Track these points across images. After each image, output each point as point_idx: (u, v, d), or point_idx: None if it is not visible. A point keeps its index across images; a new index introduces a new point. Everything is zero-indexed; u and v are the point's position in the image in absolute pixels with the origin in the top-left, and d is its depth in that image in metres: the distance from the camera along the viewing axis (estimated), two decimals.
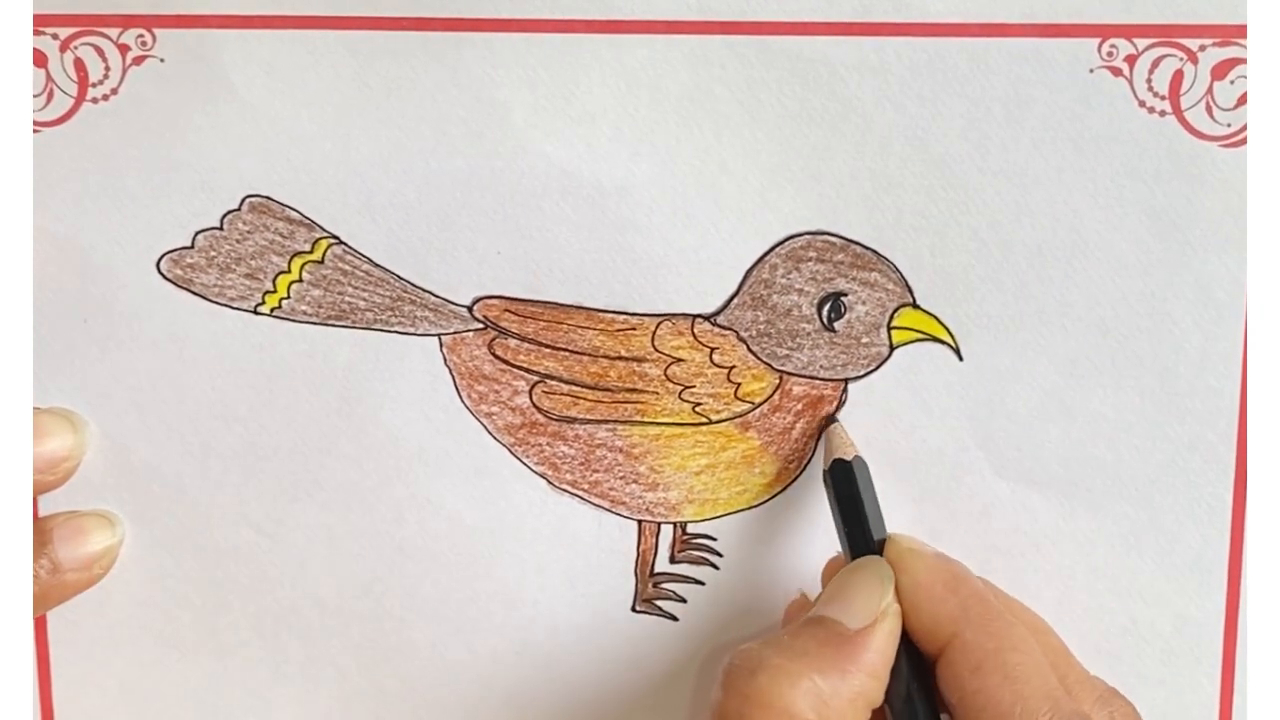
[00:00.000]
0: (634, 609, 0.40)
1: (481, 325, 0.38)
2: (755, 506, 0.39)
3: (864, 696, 0.33)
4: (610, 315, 0.38)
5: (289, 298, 0.38)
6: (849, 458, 0.37)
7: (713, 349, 0.38)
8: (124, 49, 0.37)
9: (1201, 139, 0.37)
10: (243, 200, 0.38)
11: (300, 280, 0.38)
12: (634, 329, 0.38)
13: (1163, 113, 0.37)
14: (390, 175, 0.38)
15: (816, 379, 0.39)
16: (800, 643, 0.33)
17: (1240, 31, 0.36)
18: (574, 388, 0.39)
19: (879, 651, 0.33)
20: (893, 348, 0.38)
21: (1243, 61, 0.37)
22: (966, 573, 0.35)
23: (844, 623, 0.34)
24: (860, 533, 0.36)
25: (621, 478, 0.39)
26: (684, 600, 0.40)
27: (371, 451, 0.39)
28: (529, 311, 0.38)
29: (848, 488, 0.37)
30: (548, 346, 0.38)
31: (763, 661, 0.33)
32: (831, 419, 0.39)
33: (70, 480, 0.39)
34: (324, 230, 0.38)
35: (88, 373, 0.38)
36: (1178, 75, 0.37)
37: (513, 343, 0.38)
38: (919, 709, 0.34)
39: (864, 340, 0.38)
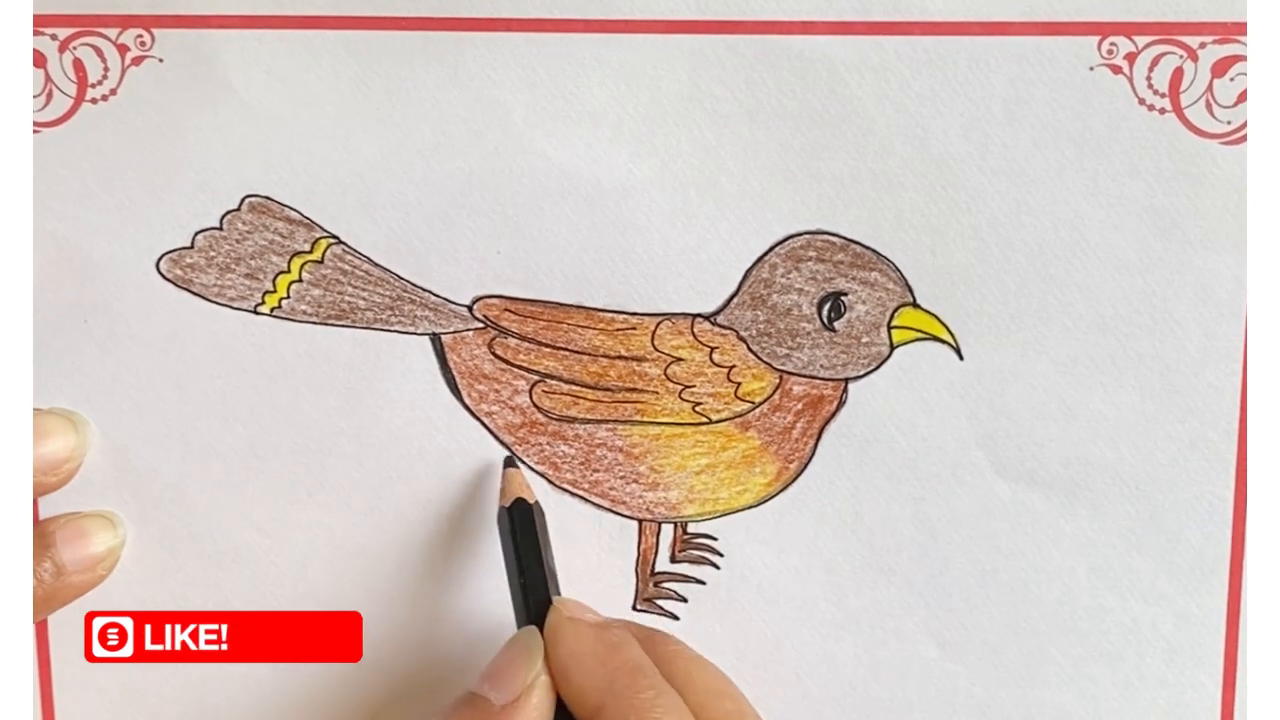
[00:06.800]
0: (635, 608, 0.40)
1: (481, 324, 0.38)
2: (755, 506, 0.39)
3: None
4: (610, 315, 0.38)
5: (289, 297, 0.38)
6: (530, 500, 0.37)
7: (712, 348, 0.38)
8: (123, 49, 0.37)
9: (1202, 136, 0.37)
10: (242, 200, 0.38)
11: (300, 280, 0.38)
12: (634, 328, 0.38)
13: (1163, 110, 0.37)
14: (390, 175, 0.38)
15: (817, 378, 0.39)
16: None
17: (1240, 29, 0.36)
18: (574, 387, 0.39)
19: None
20: (893, 347, 0.38)
21: (1243, 59, 0.36)
22: (624, 641, 0.35)
23: (494, 699, 0.34)
24: (530, 585, 0.36)
25: (622, 477, 0.39)
26: (685, 600, 0.40)
27: (371, 451, 0.39)
28: (529, 311, 0.38)
29: (527, 531, 0.37)
30: (547, 346, 0.39)
31: None
32: (511, 461, 0.39)
33: (71, 481, 0.38)
34: (323, 230, 0.38)
35: (88, 373, 0.38)
36: (1178, 73, 0.37)
37: (513, 342, 0.39)
38: None
39: (864, 340, 0.38)
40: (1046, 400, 0.38)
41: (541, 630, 0.35)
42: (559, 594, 0.36)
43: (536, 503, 0.38)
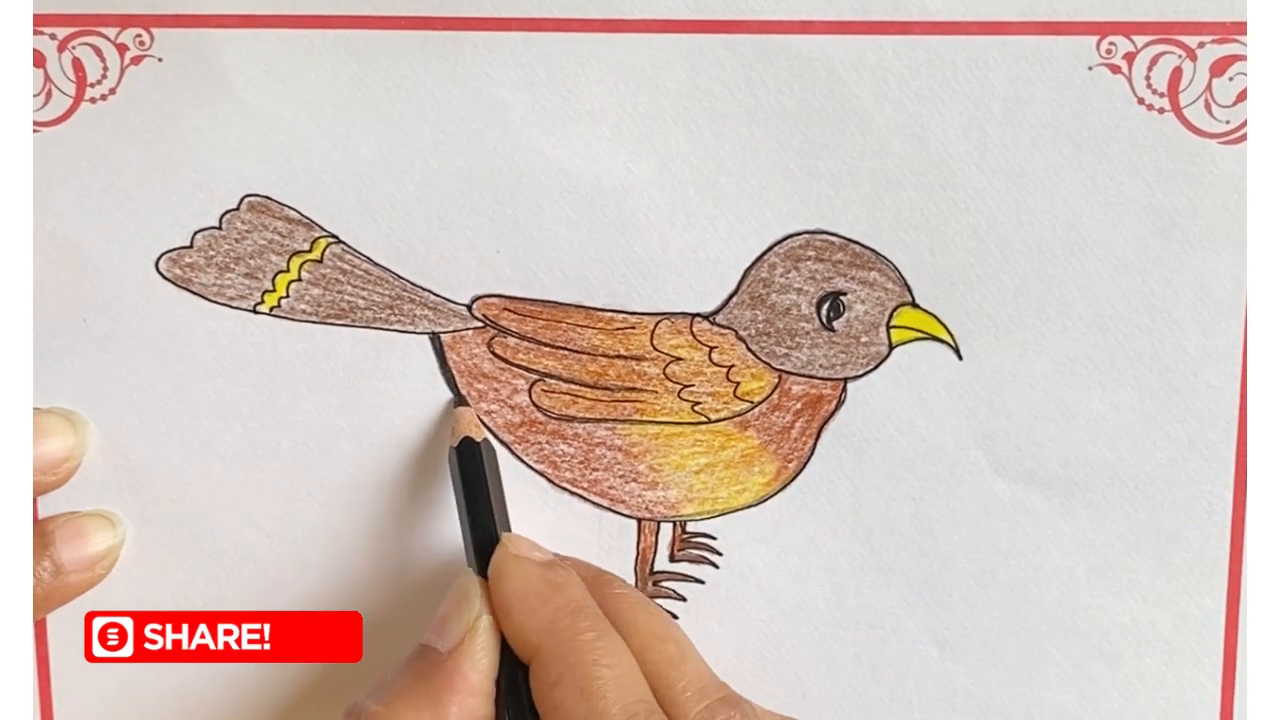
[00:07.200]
0: None
1: (481, 324, 0.38)
2: (754, 505, 0.39)
3: (473, 718, 0.33)
4: (609, 314, 0.38)
5: (288, 297, 0.38)
6: (478, 439, 0.37)
7: (711, 348, 0.38)
8: (122, 49, 0.37)
9: (1201, 136, 0.37)
10: (241, 200, 0.38)
11: (299, 279, 0.38)
12: (633, 328, 0.38)
13: (1162, 110, 0.37)
14: (389, 174, 0.38)
15: (815, 378, 0.39)
16: (399, 681, 0.33)
17: (1239, 28, 0.36)
18: (573, 386, 0.39)
19: (475, 669, 0.33)
20: (892, 347, 0.38)
21: (1242, 58, 0.36)
22: (568, 582, 0.35)
23: (439, 646, 0.34)
24: (477, 524, 0.36)
25: (621, 476, 0.39)
26: (684, 599, 0.40)
27: (371, 451, 0.39)
28: (528, 310, 0.38)
29: (475, 469, 0.36)
30: (547, 345, 0.39)
31: (361, 713, 0.33)
32: (460, 400, 0.38)
33: (71, 481, 0.39)
34: (323, 229, 0.38)
35: (88, 373, 0.38)
36: (1176, 72, 0.37)
37: (512, 341, 0.39)
38: None
39: (863, 339, 0.38)
40: (1046, 400, 0.38)
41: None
42: (509, 531, 0.36)
43: (485, 440, 0.37)
